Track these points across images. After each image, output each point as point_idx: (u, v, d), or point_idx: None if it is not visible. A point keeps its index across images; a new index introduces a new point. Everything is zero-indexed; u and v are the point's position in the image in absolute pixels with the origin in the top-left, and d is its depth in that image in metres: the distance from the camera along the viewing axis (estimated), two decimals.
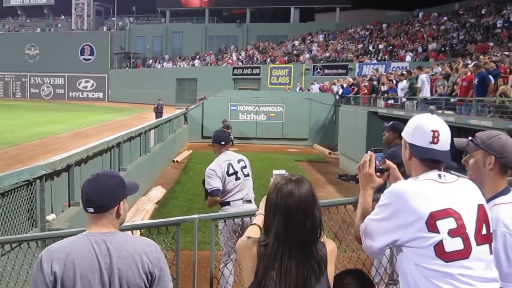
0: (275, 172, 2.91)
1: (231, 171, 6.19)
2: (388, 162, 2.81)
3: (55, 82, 70.18)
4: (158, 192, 13.37)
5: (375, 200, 2.58)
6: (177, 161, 19.78)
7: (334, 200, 3.22)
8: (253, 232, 2.63)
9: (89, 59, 69.13)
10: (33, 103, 58.21)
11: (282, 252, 2.27)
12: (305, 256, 2.29)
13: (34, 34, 72.91)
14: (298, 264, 2.27)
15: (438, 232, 2.23)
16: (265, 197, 2.62)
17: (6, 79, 71.56)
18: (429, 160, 2.46)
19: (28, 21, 77.26)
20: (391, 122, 6.95)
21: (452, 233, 2.24)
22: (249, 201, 6.24)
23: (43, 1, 74.00)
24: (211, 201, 6.21)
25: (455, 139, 2.71)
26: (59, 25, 75.37)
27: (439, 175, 2.41)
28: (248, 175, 6.33)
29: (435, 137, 2.44)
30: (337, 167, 19.98)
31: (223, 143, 6.46)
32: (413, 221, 2.27)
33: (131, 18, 72.41)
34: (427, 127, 2.47)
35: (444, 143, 2.46)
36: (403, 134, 2.61)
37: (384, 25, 49.69)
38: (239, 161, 6.34)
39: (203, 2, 66.07)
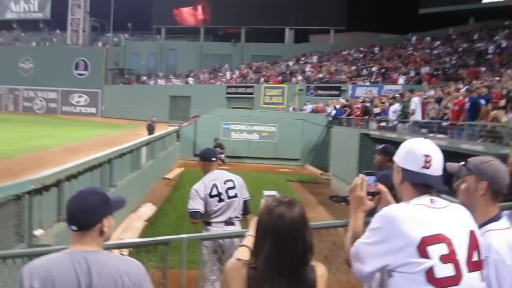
0: (266, 193, 2.89)
1: (214, 192, 5.98)
2: (380, 186, 2.78)
3: (48, 96, 69.94)
4: (148, 209, 13.28)
5: (366, 223, 2.56)
6: (169, 179, 19.71)
7: (325, 222, 3.20)
8: (243, 253, 2.59)
9: (83, 74, 69.06)
10: (25, 117, 57.97)
11: (271, 275, 2.24)
12: (295, 279, 2.26)
13: (29, 48, 72.78)
14: (288, 287, 2.24)
15: (429, 257, 2.21)
16: (255, 218, 2.60)
17: None
18: (421, 184, 2.45)
19: (23, 34, 77.31)
20: (383, 145, 6.92)
21: (443, 259, 2.21)
22: (232, 223, 6.03)
23: (39, 15, 74.19)
24: (190, 221, 6.14)
25: (447, 163, 2.70)
26: (54, 40, 75.35)
27: (431, 200, 2.39)
28: (235, 196, 6.07)
29: (427, 162, 2.43)
30: (328, 188, 19.95)
31: (213, 159, 6.29)
32: (404, 246, 2.24)
33: (126, 35, 72.56)
34: (419, 152, 2.46)
35: (436, 168, 2.45)
36: (395, 158, 2.60)
37: (377, 48, 50.14)
38: (226, 182, 6.10)
39: (198, 21, 66.43)
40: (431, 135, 13.79)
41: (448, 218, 2.33)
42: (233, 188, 6.07)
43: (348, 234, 2.67)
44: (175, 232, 5.93)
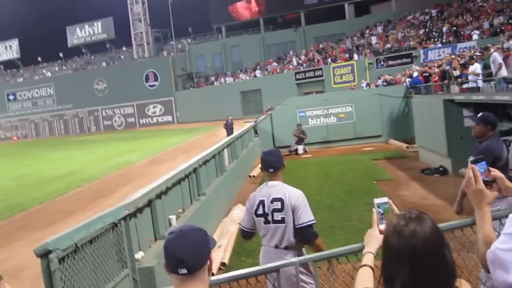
0: (376, 201, 2.59)
1: (260, 211, 4.82)
2: (494, 172, 2.43)
3: (125, 112, 72.64)
4: (239, 211, 13.19)
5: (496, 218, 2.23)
6: (253, 176, 19.65)
7: (448, 224, 2.86)
8: (367, 276, 2.31)
9: (154, 85, 70.94)
10: (107, 135, 60.22)
11: None
12: None
13: (100, 69, 76.09)
14: None
15: None
16: (369, 232, 2.34)
17: (80, 115, 75.07)
18: None
19: (92, 57, 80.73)
20: (481, 114, 6.34)
21: None
22: (285, 248, 4.73)
23: (104, 36, 77.32)
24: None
25: None
26: (122, 57, 78.21)
27: None
28: (281, 221, 4.71)
29: None
30: (418, 161, 19.16)
31: (270, 170, 4.92)
32: None
33: (189, 39, 73.99)
34: None
35: None
36: None
37: (444, 6, 47.99)
38: (273, 201, 4.76)
39: (254, 13, 66.43)
40: None
41: None
42: (280, 210, 4.75)
43: (479, 236, 2.34)
44: None
